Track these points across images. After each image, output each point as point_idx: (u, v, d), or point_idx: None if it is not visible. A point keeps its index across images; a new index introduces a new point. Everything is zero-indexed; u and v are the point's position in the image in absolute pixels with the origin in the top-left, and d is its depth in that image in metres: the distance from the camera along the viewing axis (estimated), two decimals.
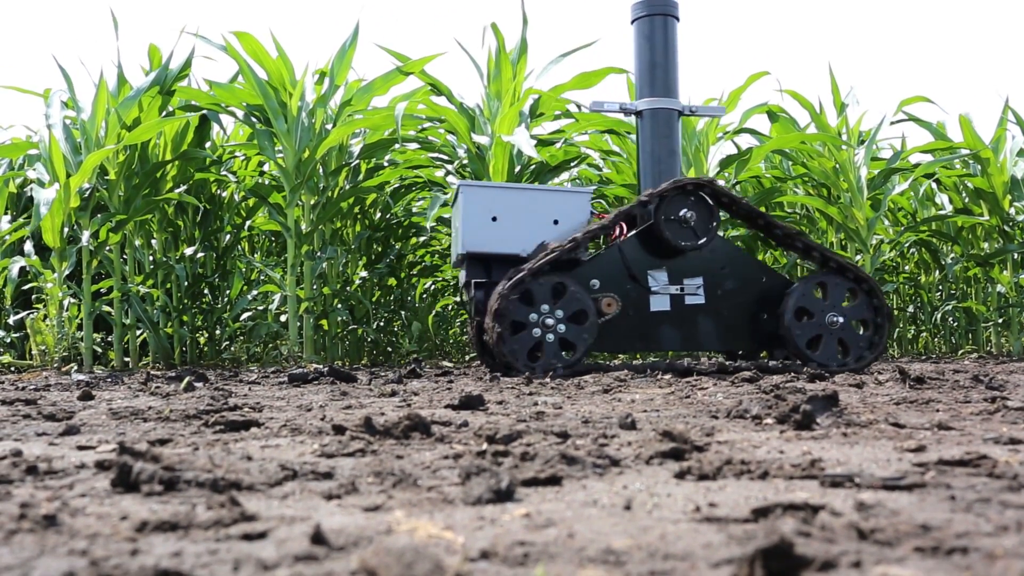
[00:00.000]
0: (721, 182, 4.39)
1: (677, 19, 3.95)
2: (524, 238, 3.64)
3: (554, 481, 0.99)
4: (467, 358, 5.96)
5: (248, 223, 5.98)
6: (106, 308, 5.13)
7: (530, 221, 3.65)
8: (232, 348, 5.70)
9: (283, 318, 5.71)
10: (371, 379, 3.44)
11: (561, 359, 3.43)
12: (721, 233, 3.99)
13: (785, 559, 0.60)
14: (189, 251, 5.51)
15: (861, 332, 3.70)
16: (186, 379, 2.98)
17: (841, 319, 3.64)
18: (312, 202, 5.23)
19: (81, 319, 4.93)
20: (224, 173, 5.56)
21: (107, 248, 5.13)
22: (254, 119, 5.21)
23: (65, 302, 4.87)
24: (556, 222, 3.66)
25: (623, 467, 1.10)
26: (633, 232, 3.66)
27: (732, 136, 6.05)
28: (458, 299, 6.39)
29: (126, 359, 5.25)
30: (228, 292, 5.71)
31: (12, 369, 4.88)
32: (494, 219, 3.61)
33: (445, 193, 5.28)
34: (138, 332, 5.29)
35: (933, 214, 6.76)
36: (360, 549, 0.69)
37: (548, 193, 3.72)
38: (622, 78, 5.98)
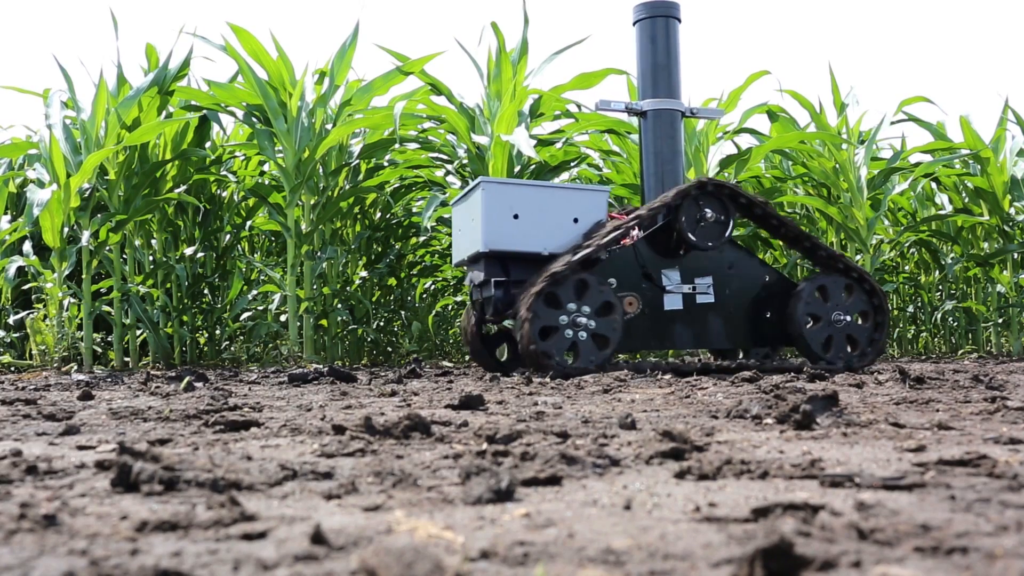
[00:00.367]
0: (738, 183, 4.39)
1: (679, 20, 3.97)
2: (545, 236, 3.57)
3: (554, 481, 0.99)
4: (467, 358, 5.96)
5: (248, 223, 5.98)
6: (106, 308, 5.13)
7: (551, 219, 3.58)
8: (232, 348, 5.70)
9: (283, 318, 5.71)
10: (371, 379, 3.44)
11: (596, 355, 3.39)
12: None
13: (785, 559, 0.60)
14: (189, 251, 5.51)
15: (863, 329, 3.79)
16: (186, 379, 2.98)
17: (846, 318, 3.73)
18: (312, 202, 5.23)
19: (81, 319, 4.93)
20: (224, 173, 5.56)
21: (107, 248, 5.13)
22: (254, 119, 5.21)
23: (65, 302, 4.87)
24: (576, 220, 3.61)
25: (623, 467, 1.10)
26: (647, 231, 3.65)
27: (732, 136, 6.05)
28: (458, 299, 6.39)
29: (126, 359, 5.25)
30: (228, 292, 5.71)
31: (12, 369, 4.88)
32: (515, 216, 3.53)
33: (445, 193, 5.28)
34: (138, 332, 5.29)
35: (933, 214, 6.76)
36: (360, 549, 0.69)
37: (569, 191, 3.66)
38: (622, 79, 6.00)
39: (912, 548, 0.67)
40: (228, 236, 5.84)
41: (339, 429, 1.43)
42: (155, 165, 5.11)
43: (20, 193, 6.34)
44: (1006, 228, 6.27)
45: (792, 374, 3.19)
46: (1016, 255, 6.29)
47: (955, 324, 7.04)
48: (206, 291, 5.74)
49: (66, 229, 4.93)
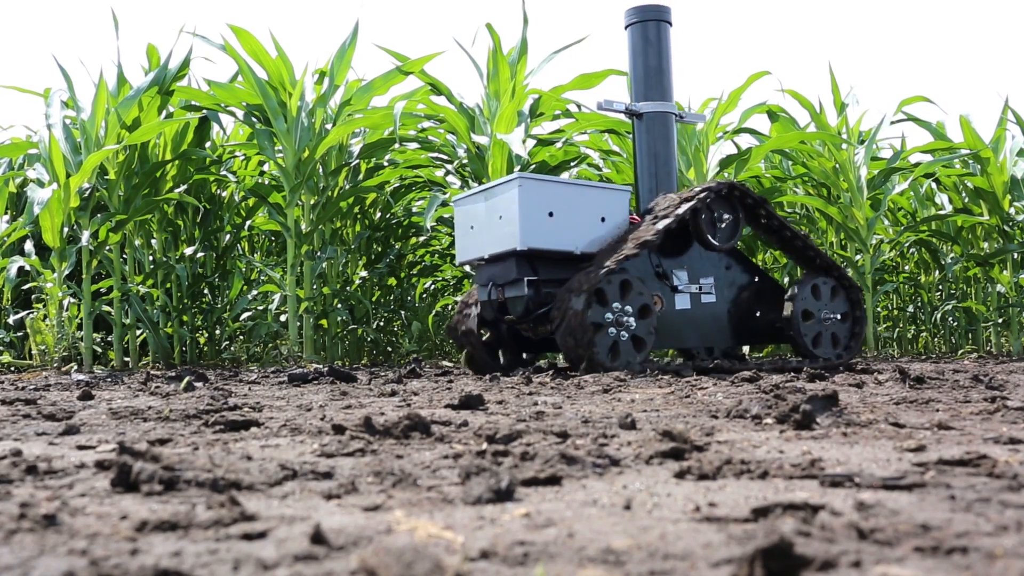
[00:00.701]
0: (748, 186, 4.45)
1: (670, 24, 3.99)
2: (577, 235, 3.53)
3: (554, 481, 0.99)
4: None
5: (248, 223, 5.98)
6: (106, 308, 5.13)
7: (582, 217, 3.55)
8: (232, 348, 5.70)
9: (283, 318, 5.71)
10: (371, 379, 3.44)
11: (634, 356, 3.39)
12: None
13: (785, 559, 0.60)
14: (189, 251, 5.51)
15: (845, 326, 3.97)
16: (186, 379, 2.99)
17: (834, 316, 3.90)
18: (312, 202, 5.23)
19: (81, 319, 4.93)
20: (224, 173, 5.56)
21: (107, 248, 5.13)
22: (254, 119, 5.21)
23: (65, 302, 4.87)
24: (603, 219, 3.59)
25: (623, 467, 1.10)
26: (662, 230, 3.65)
27: (732, 136, 6.05)
28: (459, 298, 6.38)
29: (126, 359, 5.25)
30: (228, 292, 5.71)
31: (12, 369, 4.88)
32: (550, 215, 3.47)
33: (445, 193, 5.28)
34: (138, 332, 5.29)
35: (933, 214, 6.76)
36: (360, 549, 0.69)
37: (599, 190, 3.63)
38: (622, 79, 5.98)
39: (912, 548, 0.67)
40: (228, 236, 5.84)
41: (339, 429, 1.43)
42: (155, 165, 5.11)
43: (20, 193, 6.35)
44: (1006, 228, 6.27)
45: (792, 374, 3.19)
46: (1016, 255, 6.29)
47: (955, 324, 7.04)
48: (206, 291, 5.74)
49: (66, 229, 4.93)
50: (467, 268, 5.30)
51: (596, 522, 0.79)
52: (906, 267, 7.43)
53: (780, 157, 6.65)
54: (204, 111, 5.26)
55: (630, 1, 4.03)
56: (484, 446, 1.24)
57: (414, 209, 6.37)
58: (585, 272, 3.37)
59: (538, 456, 1.10)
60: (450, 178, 6.02)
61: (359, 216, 5.95)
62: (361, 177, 5.64)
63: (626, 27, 4.00)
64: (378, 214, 6.14)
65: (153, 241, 5.55)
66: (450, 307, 6.70)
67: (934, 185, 6.96)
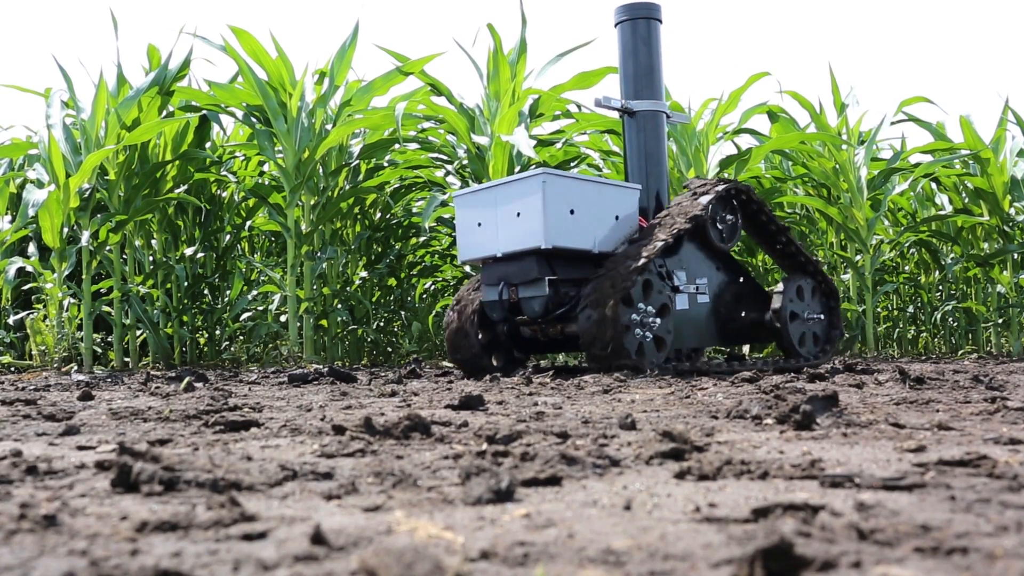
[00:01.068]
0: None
1: (660, 22, 3.96)
2: (595, 233, 3.47)
3: (554, 481, 0.99)
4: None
5: (248, 223, 5.98)
6: (106, 308, 5.13)
7: (600, 215, 3.50)
8: (232, 348, 5.70)
9: (283, 318, 5.72)
10: (371, 379, 3.44)
11: (656, 356, 3.39)
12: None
13: (785, 559, 0.60)
14: (189, 251, 5.51)
15: (824, 326, 4.07)
16: (186, 379, 2.99)
17: (816, 316, 3.99)
18: (312, 202, 5.23)
19: (81, 319, 4.93)
20: (224, 173, 5.56)
21: (107, 248, 5.13)
22: (254, 119, 5.21)
23: (65, 302, 4.87)
24: (617, 218, 3.57)
25: (623, 467, 1.10)
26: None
27: (732, 136, 6.05)
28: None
29: (126, 359, 5.25)
30: (228, 292, 5.71)
31: (12, 369, 4.88)
32: (571, 212, 3.40)
33: (445, 193, 5.29)
34: (138, 332, 5.28)
35: (933, 214, 6.76)
36: (360, 549, 0.69)
37: (614, 188, 3.59)
38: None
39: (912, 548, 0.67)
40: (228, 236, 5.84)
41: (339, 429, 1.43)
42: (155, 165, 5.11)
43: (20, 194, 6.35)
44: (1006, 228, 6.27)
45: (792, 374, 3.19)
46: (1016, 255, 6.29)
47: (955, 324, 7.04)
48: (206, 291, 5.74)
49: (66, 229, 4.93)
50: (466, 268, 5.30)
51: (596, 522, 0.79)
52: (906, 267, 7.43)
53: (780, 157, 6.65)
54: (204, 111, 5.27)
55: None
56: (484, 446, 1.24)
57: (414, 209, 6.37)
58: (611, 272, 3.31)
59: (538, 457, 1.10)
60: (450, 178, 6.02)
61: (359, 216, 5.95)
62: (361, 178, 5.64)
63: (616, 24, 3.96)
64: (378, 214, 6.14)
65: (153, 241, 5.55)
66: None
67: (934, 185, 6.96)
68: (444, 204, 5.13)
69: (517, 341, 3.85)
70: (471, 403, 1.94)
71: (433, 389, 2.74)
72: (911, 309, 7.25)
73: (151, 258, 5.49)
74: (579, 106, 5.67)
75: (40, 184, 5.14)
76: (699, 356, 4.24)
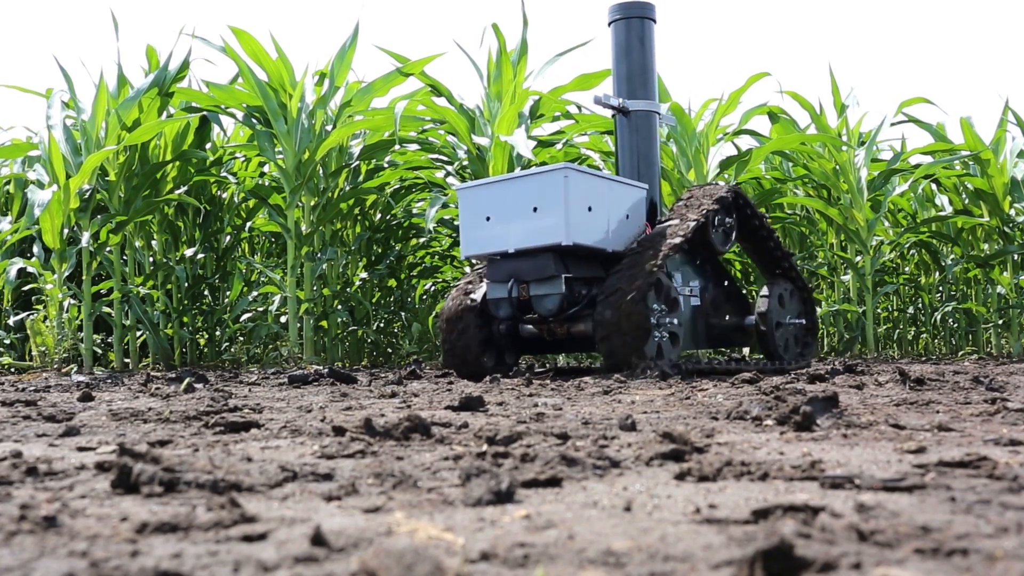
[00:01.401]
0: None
1: (654, 21, 3.95)
2: (609, 231, 3.42)
3: (554, 482, 0.99)
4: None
5: (248, 224, 5.98)
6: (106, 309, 5.13)
7: (614, 214, 3.44)
8: (232, 349, 5.70)
9: (283, 319, 5.71)
10: (371, 380, 3.44)
11: (672, 354, 3.39)
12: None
13: (785, 560, 0.60)
14: (189, 252, 5.51)
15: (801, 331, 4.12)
16: (186, 380, 2.99)
17: (797, 321, 4.06)
18: (312, 203, 5.23)
19: (81, 320, 4.93)
20: (224, 174, 5.56)
21: (107, 249, 5.13)
22: (254, 120, 5.21)
23: (65, 303, 4.87)
24: (628, 216, 3.53)
25: (623, 468, 1.10)
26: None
27: (732, 137, 6.05)
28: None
29: (126, 360, 5.25)
30: (228, 293, 5.71)
31: (12, 370, 4.88)
32: (589, 209, 3.32)
33: (446, 194, 5.29)
34: (138, 333, 5.29)
35: (933, 215, 6.76)
36: (360, 550, 0.69)
37: (626, 186, 3.56)
38: None
39: (912, 550, 0.67)
40: (228, 237, 5.84)
41: (339, 430, 1.43)
42: (155, 166, 5.11)
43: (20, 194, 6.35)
44: (1006, 229, 6.27)
45: (792, 375, 3.19)
46: (1016, 256, 6.29)
47: (955, 325, 7.04)
48: (206, 292, 5.74)
49: (66, 230, 4.93)
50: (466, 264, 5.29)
51: (596, 524, 0.79)
52: (906, 268, 7.43)
53: (780, 158, 6.65)
54: (204, 112, 5.27)
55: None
56: (484, 448, 1.24)
57: (414, 210, 6.37)
58: (631, 271, 3.27)
59: (538, 458, 1.10)
60: (450, 179, 6.02)
61: (359, 217, 5.95)
62: (361, 178, 5.64)
63: (609, 23, 3.94)
64: (378, 215, 6.14)
65: (153, 242, 5.55)
66: None
67: (934, 186, 6.96)
68: (445, 205, 5.12)
69: (514, 341, 3.71)
70: (471, 404, 1.94)
71: (433, 390, 2.74)
72: (911, 310, 7.25)
73: (151, 259, 5.49)
74: (579, 107, 5.67)
75: (41, 185, 5.14)
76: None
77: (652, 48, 3.93)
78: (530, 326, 3.60)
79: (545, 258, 3.30)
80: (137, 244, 5.38)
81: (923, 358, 6.09)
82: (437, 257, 6.69)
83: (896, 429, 1.44)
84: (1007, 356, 6.05)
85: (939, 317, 6.88)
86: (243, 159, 5.91)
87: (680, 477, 1.02)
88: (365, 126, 5.22)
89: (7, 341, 5.46)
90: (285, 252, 6.03)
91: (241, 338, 5.79)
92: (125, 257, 5.47)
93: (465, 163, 5.44)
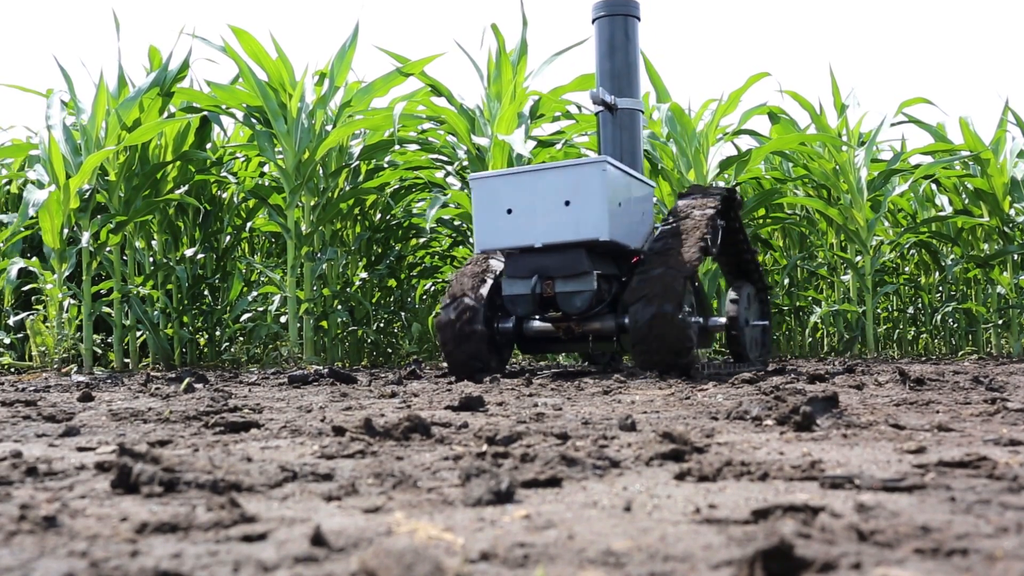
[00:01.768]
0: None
1: (638, 19, 3.93)
2: (632, 228, 3.36)
3: (554, 482, 0.99)
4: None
5: (248, 224, 5.98)
6: (106, 309, 5.13)
7: (635, 210, 3.38)
8: (232, 349, 5.70)
9: (283, 319, 5.71)
10: (371, 380, 3.44)
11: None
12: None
13: (785, 560, 0.60)
14: (189, 252, 5.51)
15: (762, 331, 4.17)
16: (186, 380, 2.99)
17: (763, 322, 4.11)
18: (312, 203, 5.23)
19: (81, 320, 4.93)
20: (224, 174, 5.56)
21: (107, 249, 5.13)
22: (254, 120, 5.21)
23: (65, 303, 4.87)
24: (644, 214, 3.48)
25: (623, 468, 1.10)
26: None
27: (732, 137, 6.05)
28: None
29: (126, 360, 5.25)
30: (228, 293, 5.71)
31: (12, 370, 4.88)
32: (619, 205, 3.23)
33: (445, 194, 5.29)
34: (138, 333, 5.28)
35: (933, 215, 6.76)
36: (360, 550, 0.69)
37: (643, 183, 3.48)
38: None
39: (912, 550, 0.67)
40: (228, 237, 5.84)
41: (339, 430, 1.43)
42: (155, 166, 5.11)
43: (21, 194, 6.35)
44: (1006, 229, 6.27)
45: (792, 375, 3.19)
46: (1016, 256, 6.29)
47: (955, 325, 7.04)
48: (206, 292, 5.74)
49: (66, 230, 4.93)
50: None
51: (596, 524, 0.79)
52: (906, 268, 7.43)
53: (780, 158, 6.65)
54: (205, 112, 5.27)
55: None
56: (484, 448, 1.24)
57: (414, 210, 6.37)
58: (663, 270, 3.18)
59: (538, 458, 1.10)
60: (450, 179, 6.02)
61: (359, 217, 5.95)
62: (361, 178, 5.64)
63: (593, 21, 3.90)
64: (378, 215, 6.14)
65: (153, 242, 5.55)
66: None
67: (934, 186, 6.96)
68: (445, 205, 5.12)
69: (521, 340, 3.62)
70: (471, 404, 1.94)
71: (433, 390, 2.74)
72: (911, 310, 7.25)
73: (151, 259, 5.49)
74: (580, 107, 5.67)
75: (40, 185, 5.14)
76: None
77: (637, 46, 3.91)
78: (537, 324, 3.50)
79: (577, 254, 3.19)
80: (137, 244, 5.38)
81: (923, 358, 6.09)
82: (437, 257, 6.69)
83: (896, 429, 1.44)
84: (1007, 356, 6.05)
85: (939, 317, 6.88)
86: (243, 159, 5.91)
87: (680, 477, 1.02)
88: (365, 126, 5.22)
89: (7, 341, 5.46)
90: (285, 252, 6.03)
91: (241, 338, 5.79)
92: (125, 257, 5.47)
93: (465, 163, 5.44)
